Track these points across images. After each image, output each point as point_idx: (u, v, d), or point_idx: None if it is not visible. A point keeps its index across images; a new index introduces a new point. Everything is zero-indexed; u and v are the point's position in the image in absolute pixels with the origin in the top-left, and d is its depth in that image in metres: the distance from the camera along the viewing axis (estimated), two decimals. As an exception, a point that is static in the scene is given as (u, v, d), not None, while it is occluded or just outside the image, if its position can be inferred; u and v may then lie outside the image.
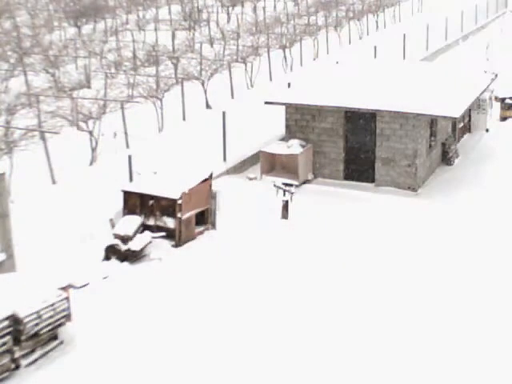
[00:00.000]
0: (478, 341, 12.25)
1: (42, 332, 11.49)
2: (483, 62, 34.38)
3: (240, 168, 21.22)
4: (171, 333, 12.37)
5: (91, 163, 20.20)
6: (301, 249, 15.90)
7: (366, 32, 43.24)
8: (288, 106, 21.05)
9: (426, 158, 20.79)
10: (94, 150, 20.32)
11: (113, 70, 28.77)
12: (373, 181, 20.54)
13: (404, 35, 35.41)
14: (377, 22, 45.50)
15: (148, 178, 16.32)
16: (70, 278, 13.24)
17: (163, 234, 15.69)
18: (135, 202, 15.96)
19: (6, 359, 11.00)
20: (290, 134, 21.14)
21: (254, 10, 45.33)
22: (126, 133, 21.55)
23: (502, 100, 26.39)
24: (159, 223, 15.81)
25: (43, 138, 19.31)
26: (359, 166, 20.67)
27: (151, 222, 15.84)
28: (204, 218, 16.54)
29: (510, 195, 19.07)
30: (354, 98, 20.15)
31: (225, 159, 20.89)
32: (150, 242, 15.41)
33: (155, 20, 41.80)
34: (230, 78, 28.11)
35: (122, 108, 21.91)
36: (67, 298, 11.91)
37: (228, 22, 43.94)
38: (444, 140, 22.24)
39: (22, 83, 26.23)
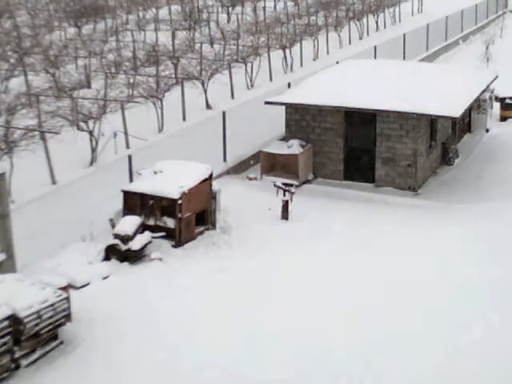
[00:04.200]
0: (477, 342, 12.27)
1: (42, 332, 11.49)
2: (483, 62, 34.44)
3: (240, 168, 21.22)
4: (171, 333, 12.37)
5: (91, 163, 20.20)
6: (301, 249, 15.90)
7: (366, 32, 43.26)
8: (288, 106, 21.06)
9: (426, 158, 20.80)
10: (94, 150, 20.32)
11: (113, 70, 28.74)
12: (373, 181, 20.55)
13: (404, 35, 35.42)
14: (377, 22, 45.52)
15: (148, 177, 16.31)
16: (69, 277, 13.27)
17: (163, 233, 15.70)
18: (135, 202, 15.95)
19: (5, 359, 11.00)
20: (290, 133, 21.15)
21: (254, 10, 45.30)
22: (126, 133, 21.56)
23: (502, 100, 26.40)
24: (159, 223, 15.80)
25: (43, 138, 19.30)
26: (359, 166, 20.69)
27: (151, 222, 15.83)
28: (204, 218, 16.54)
29: (510, 195, 19.07)
30: (355, 98, 20.15)
31: (225, 159, 20.89)
32: (150, 242, 15.41)
33: (155, 20, 41.81)
34: (230, 78, 28.11)
35: (122, 108, 21.90)
36: (67, 298, 11.91)
37: (228, 22, 43.92)
38: (444, 140, 22.25)
39: (22, 83, 26.20)
